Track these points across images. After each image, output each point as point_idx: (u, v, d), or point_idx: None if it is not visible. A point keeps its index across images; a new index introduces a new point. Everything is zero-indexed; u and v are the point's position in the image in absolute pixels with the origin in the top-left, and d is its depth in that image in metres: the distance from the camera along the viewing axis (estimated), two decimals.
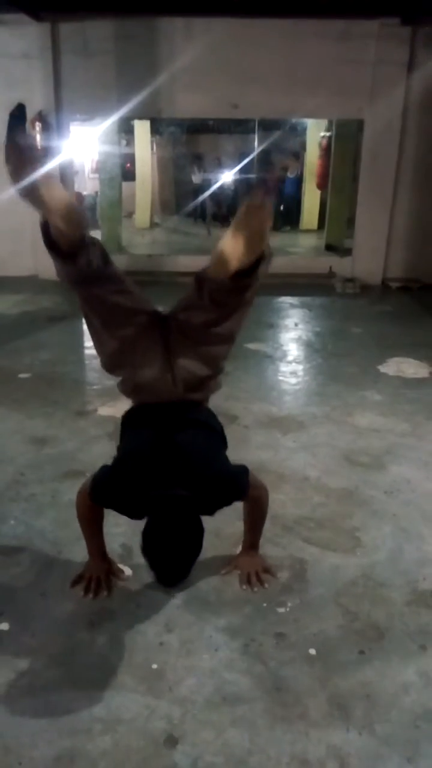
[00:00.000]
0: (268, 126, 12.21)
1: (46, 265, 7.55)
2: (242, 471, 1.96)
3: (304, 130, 12.65)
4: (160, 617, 2.00)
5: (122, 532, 2.40)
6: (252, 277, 1.74)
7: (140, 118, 10.76)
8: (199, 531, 1.82)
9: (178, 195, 15.18)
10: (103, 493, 1.91)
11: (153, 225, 13.14)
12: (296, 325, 5.77)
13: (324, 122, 11.41)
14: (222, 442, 2.05)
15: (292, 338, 5.35)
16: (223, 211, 12.49)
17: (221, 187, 12.82)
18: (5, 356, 4.67)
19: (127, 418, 2.07)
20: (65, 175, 7.43)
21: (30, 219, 8.28)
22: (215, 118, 9.38)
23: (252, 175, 13.38)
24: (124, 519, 2.45)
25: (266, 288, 6.85)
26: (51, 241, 1.68)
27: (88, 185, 13.17)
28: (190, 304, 1.87)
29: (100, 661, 1.83)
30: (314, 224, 12.82)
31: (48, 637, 1.92)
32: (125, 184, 10.87)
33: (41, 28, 6.61)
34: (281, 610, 2.05)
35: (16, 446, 3.20)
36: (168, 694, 1.72)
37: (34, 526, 2.51)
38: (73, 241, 1.67)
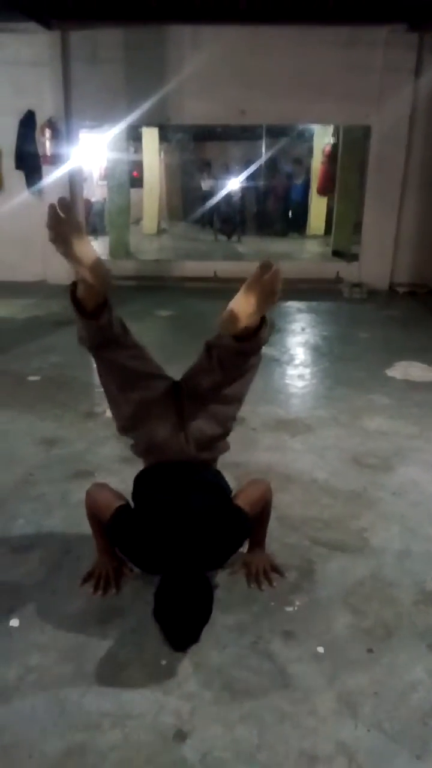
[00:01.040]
0: (275, 133, 12.30)
1: (54, 271, 7.69)
2: (244, 517, 1.98)
3: (311, 137, 12.71)
4: None
5: None
6: (253, 341, 1.88)
7: (149, 124, 10.85)
8: (209, 597, 1.84)
9: (185, 201, 15.27)
10: (120, 545, 2.02)
11: (160, 231, 13.21)
12: (303, 329, 5.79)
13: (330, 129, 11.49)
14: (227, 497, 2.08)
15: (299, 342, 5.37)
16: (231, 218, 12.52)
17: (229, 194, 12.87)
18: (15, 359, 4.71)
19: (140, 478, 2.12)
20: (75, 182, 7.51)
21: (40, 226, 8.37)
22: (223, 124, 9.43)
23: (259, 183, 13.48)
24: None
25: None
26: (77, 303, 1.81)
27: (96, 192, 13.28)
28: (201, 369, 2.02)
29: (109, 657, 1.85)
30: (321, 230, 12.87)
31: (58, 634, 1.94)
32: (133, 191, 10.96)
33: (51, 36, 6.70)
34: (289, 609, 2.06)
35: (26, 447, 3.23)
36: (177, 690, 1.73)
37: (43, 525, 2.53)
38: (98, 299, 1.80)
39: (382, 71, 6.86)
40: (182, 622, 1.79)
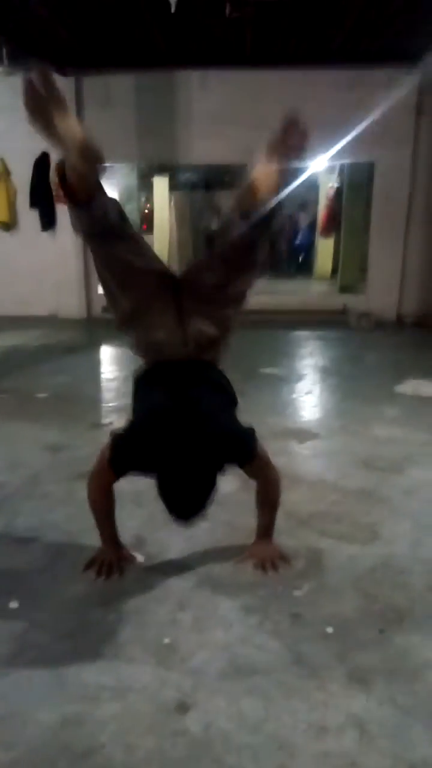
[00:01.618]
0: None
1: (66, 305, 7.83)
2: (250, 431, 1.95)
3: (316, 181, 13.06)
4: (173, 598, 1.95)
5: (135, 525, 2.38)
6: (263, 224, 1.74)
7: (158, 163, 11.10)
8: (213, 473, 1.80)
9: (195, 247, 15.62)
10: (122, 453, 1.90)
11: None
12: (311, 353, 5.80)
13: (334, 172, 11.81)
14: (232, 401, 2.05)
15: (307, 364, 5.38)
16: None
17: None
18: (24, 379, 4.75)
19: (139, 377, 2.08)
20: None
21: (52, 262, 8.53)
22: (230, 164, 9.73)
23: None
24: (137, 511, 2.46)
25: (280, 323, 7.01)
26: (68, 189, 1.68)
27: None
28: (202, 266, 1.93)
29: (110, 636, 1.78)
30: (327, 272, 13.05)
31: (58, 615, 1.88)
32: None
33: (67, 82, 7.04)
34: (297, 593, 1.99)
35: (32, 452, 3.21)
36: (180, 666, 1.66)
37: (47, 519, 2.49)
38: (89, 185, 1.66)
39: (385, 111, 7.10)
40: (186, 492, 1.75)
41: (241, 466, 1.99)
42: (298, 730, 1.45)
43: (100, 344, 6.21)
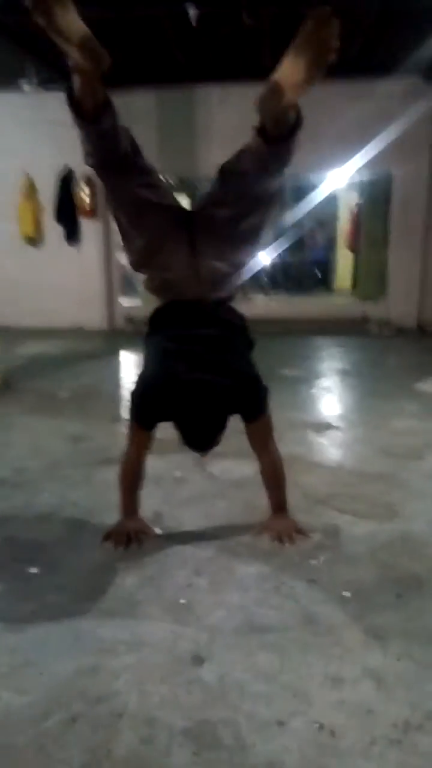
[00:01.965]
0: (299, 196, 12.79)
1: (88, 317, 7.95)
2: (265, 386, 1.99)
3: (336, 198, 13.16)
4: (190, 564, 1.96)
5: (155, 503, 2.40)
6: (287, 143, 1.67)
7: (179, 178, 11.28)
8: (224, 412, 1.85)
9: None
10: (140, 406, 1.96)
11: None
12: (331, 357, 5.79)
13: (353, 188, 11.89)
14: (249, 343, 2.05)
15: (327, 367, 5.37)
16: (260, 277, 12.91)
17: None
18: (47, 381, 4.81)
19: (154, 316, 2.09)
20: (111, 234, 7.90)
21: (77, 275, 8.64)
22: None
23: (286, 245, 13.93)
24: (156, 491, 2.48)
25: (300, 331, 6.98)
26: (75, 102, 1.64)
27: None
28: (215, 200, 1.88)
29: (127, 597, 1.80)
30: (347, 286, 13.05)
31: (76, 579, 1.90)
32: None
33: None
34: (313, 561, 1.99)
35: (54, 442, 3.26)
36: (195, 623, 1.66)
37: (67, 497, 2.52)
38: (95, 93, 1.61)
39: (401, 121, 7.17)
40: (199, 432, 1.81)
41: (247, 419, 2.00)
42: (313, 681, 1.45)
43: (121, 352, 6.29)
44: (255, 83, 6.67)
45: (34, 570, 1.95)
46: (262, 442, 2.09)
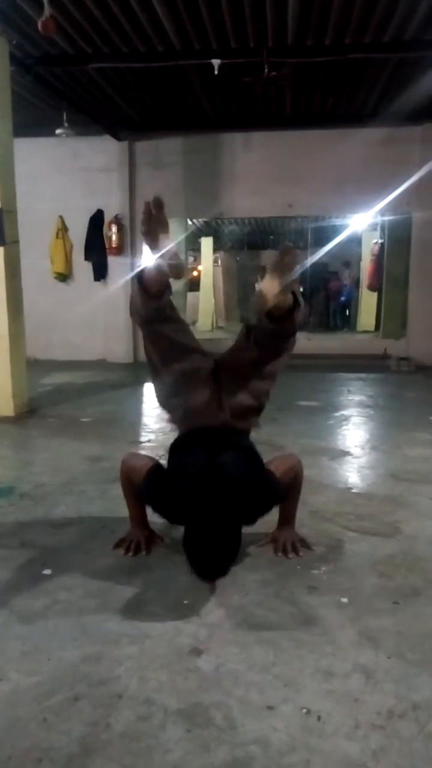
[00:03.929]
0: (323, 238, 13.08)
1: (114, 350, 8.20)
2: (275, 480, 2.04)
3: (359, 239, 13.41)
4: None
5: None
6: (288, 322, 2.01)
7: (204, 221, 11.64)
8: (238, 534, 1.91)
9: (241, 302, 16.11)
10: (153, 500, 2.06)
11: (216, 328, 13.88)
12: (349, 391, 5.87)
13: (377, 230, 12.12)
14: (259, 464, 2.15)
15: (345, 399, 5.45)
16: None
17: None
18: (71, 408, 5.00)
19: (175, 443, 2.24)
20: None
21: (102, 311, 8.93)
22: (271, 217, 10.19)
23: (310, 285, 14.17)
24: None
25: (320, 367, 7.07)
26: (144, 285, 2.02)
27: None
28: (239, 348, 2.19)
29: (133, 596, 1.89)
30: (371, 325, 13.16)
31: (87, 580, 1.99)
32: (190, 295, 11.76)
33: (121, 145, 7.69)
34: (315, 571, 2.05)
35: (74, 461, 3.40)
36: (196, 621, 1.74)
37: (83, 509, 2.64)
38: (165, 284, 2.02)
39: (419, 164, 7.40)
40: (210, 552, 1.81)
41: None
42: (305, 673, 1.51)
43: (144, 382, 6.46)
44: (277, 130, 7.05)
45: (47, 571, 2.06)
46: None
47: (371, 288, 12.62)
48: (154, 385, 2.30)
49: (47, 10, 3.93)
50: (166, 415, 2.36)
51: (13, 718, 1.36)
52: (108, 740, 1.29)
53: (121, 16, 4.62)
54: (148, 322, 2.14)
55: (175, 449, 2.21)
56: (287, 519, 2.27)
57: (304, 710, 1.37)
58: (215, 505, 1.85)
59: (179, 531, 2.34)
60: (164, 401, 2.29)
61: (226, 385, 2.17)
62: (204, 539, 1.83)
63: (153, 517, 2.29)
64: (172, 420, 2.31)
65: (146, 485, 2.06)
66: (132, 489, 2.18)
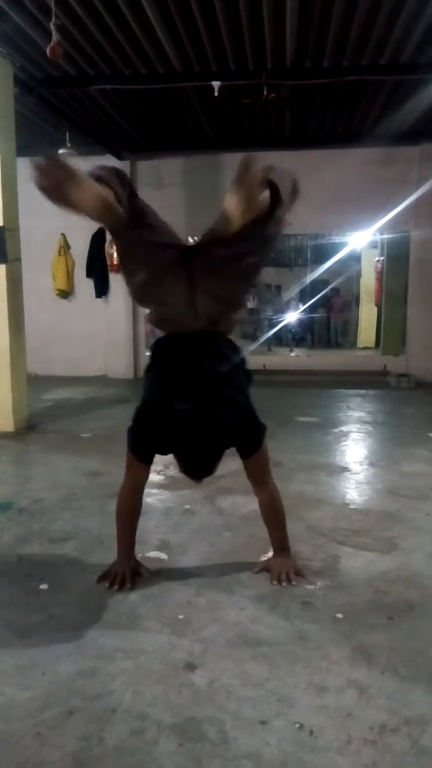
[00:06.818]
0: (322, 256, 13.17)
1: (114, 366, 8.23)
2: (263, 424, 2.04)
3: (358, 257, 13.50)
4: (191, 587, 2.05)
5: (162, 531, 2.53)
6: (271, 222, 1.89)
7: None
8: (221, 446, 1.88)
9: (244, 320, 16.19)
10: (137, 436, 2.05)
11: None
12: (348, 407, 5.88)
13: (377, 248, 12.22)
14: (245, 375, 2.13)
15: (343, 415, 5.46)
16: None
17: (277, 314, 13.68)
18: (71, 423, 5.02)
19: (156, 346, 2.18)
20: None
21: (103, 327, 8.93)
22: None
23: (310, 303, 14.28)
24: (165, 521, 2.60)
25: (319, 383, 7.08)
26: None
27: None
28: (215, 238, 1.91)
29: (129, 611, 1.89)
30: (371, 342, 13.20)
31: (83, 595, 2.00)
32: None
33: (122, 165, 7.78)
34: (310, 587, 2.06)
35: (73, 477, 3.41)
36: (191, 636, 1.75)
37: (81, 525, 2.65)
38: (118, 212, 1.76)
39: (417, 183, 7.49)
40: (197, 450, 1.82)
41: (245, 455, 2.05)
42: (298, 688, 1.52)
43: None
44: (276, 150, 7.12)
45: (43, 586, 2.07)
46: (260, 476, 2.13)
47: (378, 305, 12.69)
48: (126, 282, 2.08)
49: (55, 36, 4.03)
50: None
51: (7, 731, 1.37)
52: (101, 754, 1.29)
53: (123, 40, 4.72)
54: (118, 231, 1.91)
55: (154, 355, 2.15)
56: (281, 547, 2.21)
57: (297, 725, 1.37)
58: (193, 424, 1.82)
59: (176, 549, 2.37)
60: (138, 300, 2.16)
61: (200, 287, 1.97)
62: (190, 443, 1.82)
63: (150, 538, 2.31)
64: (150, 320, 2.19)
65: (128, 433, 2.09)
66: (127, 508, 2.16)
